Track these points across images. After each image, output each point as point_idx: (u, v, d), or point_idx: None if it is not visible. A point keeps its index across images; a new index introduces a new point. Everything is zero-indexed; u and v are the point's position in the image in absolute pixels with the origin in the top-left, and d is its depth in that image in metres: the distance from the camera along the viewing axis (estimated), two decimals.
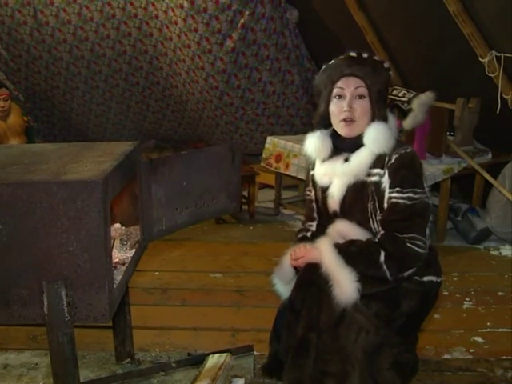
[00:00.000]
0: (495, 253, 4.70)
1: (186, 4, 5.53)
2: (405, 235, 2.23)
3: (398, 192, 2.24)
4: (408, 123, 4.57)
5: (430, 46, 4.90)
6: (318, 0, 5.73)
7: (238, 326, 3.45)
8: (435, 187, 4.85)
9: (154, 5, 5.89)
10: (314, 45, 6.05)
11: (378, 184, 2.28)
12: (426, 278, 2.35)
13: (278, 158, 5.36)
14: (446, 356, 3.12)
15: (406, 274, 2.26)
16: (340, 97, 2.32)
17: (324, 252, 2.30)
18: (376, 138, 2.28)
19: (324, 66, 2.40)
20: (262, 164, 5.63)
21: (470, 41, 4.37)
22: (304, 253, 2.39)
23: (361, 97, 2.30)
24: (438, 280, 2.42)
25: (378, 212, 2.29)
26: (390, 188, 2.26)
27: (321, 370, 2.28)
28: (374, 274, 2.23)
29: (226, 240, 5.02)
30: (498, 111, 4.48)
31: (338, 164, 2.38)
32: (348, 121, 2.31)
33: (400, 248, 2.23)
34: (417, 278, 2.32)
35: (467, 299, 3.81)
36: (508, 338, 3.29)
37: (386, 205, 2.27)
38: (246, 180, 5.45)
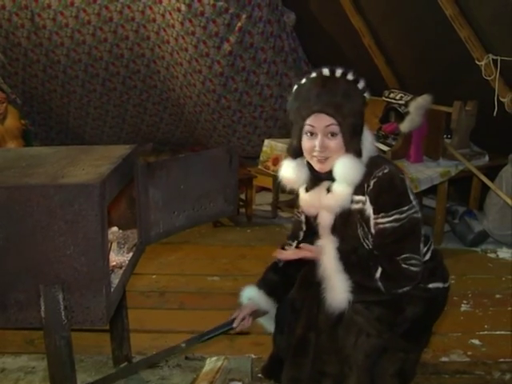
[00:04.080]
0: (492, 255, 4.71)
1: (183, 7, 5.53)
2: (398, 257, 2.16)
3: (382, 217, 2.16)
4: (405, 126, 4.58)
5: (427, 49, 4.91)
6: (315, 3, 5.74)
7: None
8: (432, 190, 4.86)
9: (151, 8, 5.90)
10: (312, 48, 6.06)
11: (362, 211, 2.21)
12: (431, 285, 2.31)
13: (276, 161, 5.36)
14: (444, 359, 3.12)
15: (400, 291, 2.20)
16: (312, 134, 2.20)
17: (326, 253, 2.26)
18: (343, 173, 2.20)
19: (295, 87, 2.27)
20: (259, 167, 5.63)
21: (466, 44, 4.38)
22: (309, 250, 2.35)
23: (333, 134, 2.18)
24: (446, 285, 2.38)
25: (370, 237, 2.24)
26: (374, 214, 2.18)
27: (319, 370, 2.28)
28: (369, 285, 2.20)
29: (223, 243, 5.02)
30: (494, 114, 4.49)
31: (322, 195, 2.29)
32: (321, 159, 2.24)
33: (396, 269, 2.17)
34: (422, 285, 2.28)
35: (465, 302, 3.81)
36: (506, 341, 3.29)
37: (373, 230, 2.20)
38: (244, 183, 5.45)
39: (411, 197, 2.19)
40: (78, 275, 1.88)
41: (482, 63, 4.37)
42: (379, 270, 2.17)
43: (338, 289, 2.21)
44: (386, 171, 2.18)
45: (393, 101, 4.85)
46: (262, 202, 6.18)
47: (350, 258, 2.24)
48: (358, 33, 5.44)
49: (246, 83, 6.05)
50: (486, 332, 3.43)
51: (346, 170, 2.20)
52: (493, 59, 4.33)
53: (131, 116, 7.19)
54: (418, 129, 4.58)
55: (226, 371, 2.74)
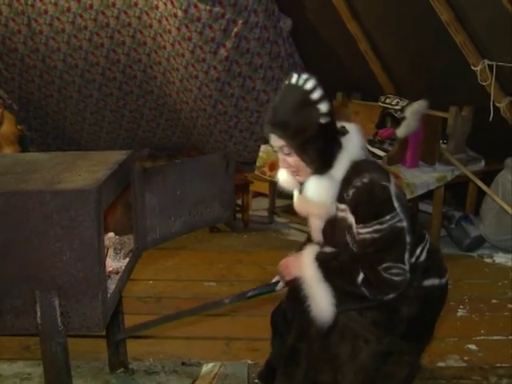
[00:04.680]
0: (489, 260, 4.72)
1: (179, 13, 5.54)
2: (379, 266, 2.13)
3: (362, 228, 2.14)
4: (401, 131, 4.58)
5: (423, 54, 4.92)
6: (312, 9, 5.75)
7: (232, 335, 3.44)
8: (429, 195, 4.86)
9: (147, 14, 5.90)
10: (308, 53, 6.07)
11: (346, 219, 2.20)
12: (426, 283, 2.28)
13: (272, 167, 5.36)
14: (440, 364, 3.12)
15: (386, 298, 2.17)
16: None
17: (304, 265, 2.25)
18: (314, 193, 2.20)
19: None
20: (255, 172, 5.63)
21: (462, 49, 4.39)
22: (286, 266, 2.36)
23: (288, 153, 2.20)
24: (442, 281, 2.34)
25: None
26: (355, 223, 2.16)
27: (312, 380, 2.28)
28: (353, 291, 2.17)
29: (220, 249, 5.02)
30: (490, 119, 4.51)
31: (307, 201, 2.29)
32: (292, 173, 2.26)
33: (377, 278, 2.14)
34: (415, 283, 2.25)
35: (461, 307, 3.82)
36: (502, 346, 3.29)
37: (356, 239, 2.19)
38: (240, 188, 5.46)
39: (395, 204, 2.14)
40: (74, 281, 1.87)
41: (478, 68, 4.39)
42: (361, 275, 2.15)
43: (320, 298, 2.19)
44: (365, 180, 2.13)
45: (389, 106, 4.86)
46: (259, 207, 6.18)
47: (330, 265, 2.22)
48: (355, 38, 5.45)
49: (242, 88, 6.06)
50: (482, 337, 3.43)
51: (313, 193, 2.20)
52: (488, 64, 4.35)
53: (128, 121, 7.19)
54: (414, 134, 4.59)
55: (222, 377, 2.74)
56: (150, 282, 4.23)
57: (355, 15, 5.33)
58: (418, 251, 2.28)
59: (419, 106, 4.52)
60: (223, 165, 2.65)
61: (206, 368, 2.83)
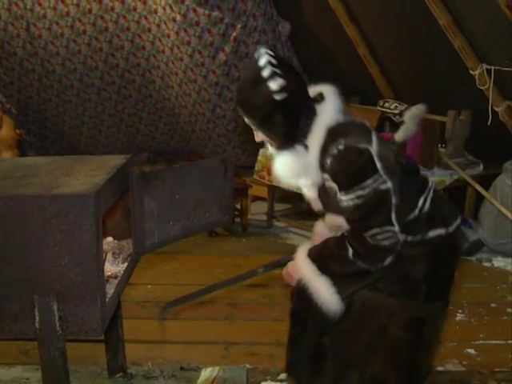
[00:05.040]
0: (487, 264, 4.72)
1: (178, 17, 5.55)
2: (365, 233, 2.09)
3: (344, 195, 2.10)
4: (400, 135, 4.59)
5: (421, 58, 4.93)
6: (310, 13, 5.76)
7: (230, 339, 3.44)
8: None
9: (146, 18, 5.91)
10: (306, 57, 6.08)
11: (332, 188, 2.16)
12: (431, 234, 2.20)
13: (271, 171, 5.36)
14: (440, 368, 3.12)
15: (385, 263, 2.11)
16: None
17: (300, 266, 2.25)
18: (278, 170, 2.22)
19: None
20: (254, 176, 5.63)
21: (460, 54, 4.40)
22: (287, 273, 2.35)
23: (256, 130, 2.21)
24: (450, 230, 2.24)
25: None
26: (338, 191, 2.13)
27: (344, 368, 2.27)
28: (352, 269, 2.14)
29: (218, 253, 5.01)
30: (489, 123, 4.51)
31: None
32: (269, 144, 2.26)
33: (365, 247, 2.10)
34: (419, 237, 2.19)
35: (460, 311, 3.81)
36: (501, 350, 3.29)
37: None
38: (239, 193, 5.45)
39: (378, 165, 2.08)
40: (72, 285, 1.87)
41: (476, 73, 4.40)
42: (350, 250, 2.12)
43: (322, 290, 2.17)
44: (340, 147, 2.08)
45: (387, 110, 4.87)
46: (258, 211, 6.17)
47: (321, 255, 2.21)
48: (353, 42, 5.46)
49: None
50: (481, 341, 3.43)
51: (276, 170, 2.22)
52: (486, 69, 4.36)
53: (126, 125, 7.19)
54: (413, 138, 4.60)
55: (221, 382, 2.74)
56: (149, 286, 4.23)
57: (353, 19, 5.34)
58: (420, 202, 2.21)
59: (417, 110, 4.53)
60: (222, 169, 2.65)
61: (205, 372, 2.82)
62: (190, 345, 3.38)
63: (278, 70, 2.09)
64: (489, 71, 4.36)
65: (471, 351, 3.30)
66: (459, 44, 4.37)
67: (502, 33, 4.05)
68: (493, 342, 3.42)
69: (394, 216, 2.09)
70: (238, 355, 3.24)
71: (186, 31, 5.62)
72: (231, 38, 5.61)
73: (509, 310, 3.86)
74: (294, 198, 5.82)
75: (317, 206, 2.34)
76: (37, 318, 1.88)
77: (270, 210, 5.80)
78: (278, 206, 5.99)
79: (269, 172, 5.36)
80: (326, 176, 2.15)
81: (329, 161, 2.10)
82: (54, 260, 1.85)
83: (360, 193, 2.07)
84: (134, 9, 5.90)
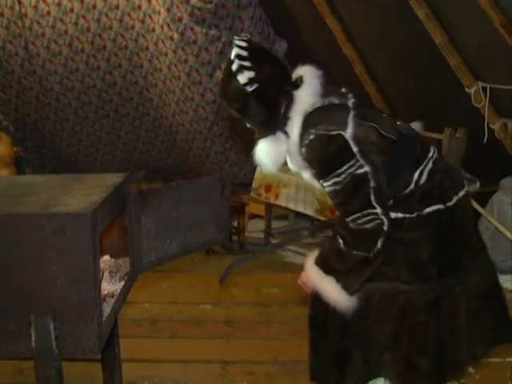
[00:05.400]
0: None
1: (176, 36, 5.58)
2: (347, 218, 2.10)
3: (323, 182, 2.15)
4: None
5: (418, 76, 4.96)
6: (307, 31, 5.80)
7: (228, 358, 3.42)
8: None
9: (144, 37, 5.95)
10: None
11: (315, 174, 2.22)
12: (428, 210, 2.19)
13: (268, 188, 5.37)
14: None
15: (379, 245, 2.09)
16: None
17: (308, 273, 2.27)
18: (264, 159, 2.24)
19: None
20: (251, 194, 5.63)
21: (456, 72, 4.43)
22: (302, 282, 2.35)
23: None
24: (449, 204, 2.21)
25: None
26: (319, 178, 2.19)
27: (375, 363, 2.28)
28: (352, 262, 2.14)
29: (216, 271, 4.99)
30: (485, 141, 4.53)
31: None
32: None
33: (348, 231, 2.11)
34: (415, 214, 2.18)
35: None
36: (499, 369, 3.27)
37: None
38: (236, 210, 5.45)
39: (354, 149, 2.10)
40: (69, 304, 1.86)
41: (472, 90, 4.42)
42: (340, 241, 2.14)
43: (329, 290, 2.18)
44: (311, 137, 2.13)
45: None
46: (255, 229, 6.16)
47: (323, 257, 2.23)
48: (349, 61, 5.49)
49: None
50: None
51: (261, 159, 2.24)
52: (482, 87, 4.38)
53: (124, 143, 7.21)
54: None
55: None
56: (146, 304, 4.21)
57: (350, 38, 5.37)
58: (416, 175, 2.20)
59: (414, 127, 4.54)
60: (218, 187, 2.65)
61: None
62: (187, 364, 3.36)
63: (246, 63, 2.15)
64: (484, 89, 4.38)
65: (470, 369, 3.28)
66: (455, 62, 4.39)
67: (496, 51, 4.08)
68: (491, 360, 3.40)
69: (373, 198, 2.09)
70: (236, 374, 3.23)
71: (183, 49, 5.66)
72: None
73: None
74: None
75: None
76: (33, 337, 1.87)
77: (267, 228, 5.79)
78: (275, 224, 5.99)
79: (266, 190, 5.37)
80: (306, 164, 2.20)
81: (303, 150, 2.16)
82: (51, 279, 1.84)
83: (336, 179, 2.10)
84: (132, 27, 5.95)
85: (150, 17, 5.79)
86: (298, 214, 5.67)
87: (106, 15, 5.95)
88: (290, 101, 2.21)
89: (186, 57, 5.72)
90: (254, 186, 5.57)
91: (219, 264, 5.18)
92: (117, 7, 5.88)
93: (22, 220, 1.83)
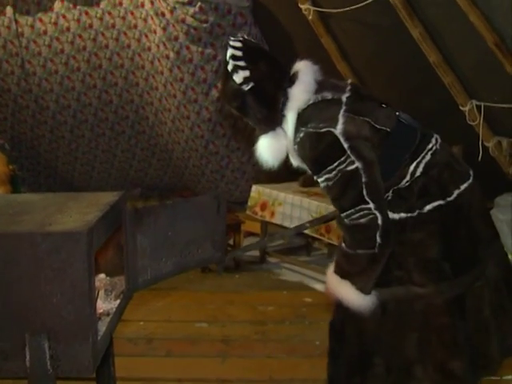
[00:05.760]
0: None
1: (171, 55, 5.62)
2: (342, 214, 2.14)
3: (316, 178, 2.18)
4: None
5: (412, 95, 4.98)
6: (302, 50, 5.83)
7: (223, 376, 3.40)
8: None
9: (140, 55, 5.98)
10: None
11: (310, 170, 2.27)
12: (428, 207, 2.18)
13: (264, 206, 5.37)
14: None
15: (379, 240, 2.09)
16: None
17: (328, 280, 2.28)
18: (264, 155, 2.28)
19: None
20: (247, 212, 5.63)
21: (450, 90, 4.45)
22: (328, 292, 2.34)
23: None
24: (450, 199, 2.19)
25: None
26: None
27: (401, 369, 2.25)
28: (359, 262, 2.14)
29: (211, 289, 4.98)
30: (479, 159, 4.54)
31: None
32: None
33: (345, 230, 2.16)
34: (417, 211, 2.17)
35: None
36: None
37: None
38: (232, 228, 5.45)
39: (345, 145, 2.11)
40: (64, 323, 1.86)
41: (466, 109, 4.43)
42: (342, 244, 2.17)
43: (346, 292, 2.19)
44: (302, 135, 2.17)
45: None
46: None
47: (337, 263, 2.24)
48: (344, 78, 5.51)
49: (233, 129, 6.11)
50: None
51: (261, 154, 2.28)
52: (476, 105, 4.40)
53: (119, 161, 7.21)
54: None
55: None
56: (141, 322, 4.19)
57: (345, 56, 5.40)
58: (411, 167, 2.20)
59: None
60: (214, 206, 2.65)
61: None
62: (183, 382, 3.35)
63: (240, 63, 2.19)
64: (479, 107, 4.40)
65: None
66: (449, 81, 4.42)
67: (490, 70, 4.10)
68: (489, 378, 3.39)
69: (365, 193, 2.10)
70: None
71: (179, 68, 5.69)
72: None
73: None
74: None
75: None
76: (27, 357, 1.86)
77: (262, 246, 5.78)
78: (271, 241, 5.98)
79: (261, 207, 5.38)
80: (300, 160, 2.25)
81: (296, 147, 2.20)
82: (46, 298, 1.84)
83: (327, 176, 2.13)
84: (128, 46, 5.98)
85: (146, 36, 5.83)
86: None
87: (103, 34, 5.99)
88: (285, 98, 2.24)
89: (182, 75, 5.75)
90: (249, 203, 5.57)
91: (215, 282, 5.17)
92: (113, 26, 5.92)
93: (17, 239, 1.83)
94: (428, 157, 2.23)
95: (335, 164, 2.11)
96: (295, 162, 2.33)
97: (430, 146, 2.27)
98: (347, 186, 2.12)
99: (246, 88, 2.19)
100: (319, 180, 2.17)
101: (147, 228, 2.36)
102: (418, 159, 2.21)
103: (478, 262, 2.26)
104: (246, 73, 2.19)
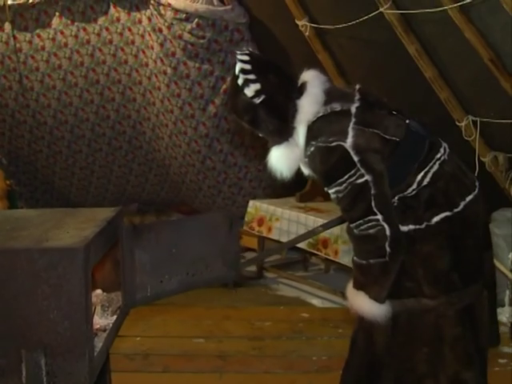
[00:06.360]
0: None
1: (169, 70, 5.64)
2: (351, 225, 2.16)
3: (327, 190, 2.20)
4: None
5: (408, 110, 4.99)
6: (299, 66, 5.83)
7: None
8: None
9: (137, 71, 6.00)
10: None
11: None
12: (435, 219, 2.19)
13: (261, 222, 5.38)
14: None
15: (388, 250, 2.09)
16: None
17: (347, 295, 2.28)
18: (277, 166, 2.29)
19: None
20: (244, 227, 5.63)
21: (446, 105, 4.47)
22: (351, 307, 2.33)
23: None
24: (458, 209, 2.20)
25: None
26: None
27: (412, 380, 2.25)
28: (374, 271, 2.15)
29: (208, 304, 4.97)
30: (476, 173, 4.55)
31: None
32: None
33: (354, 240, 2.18)
34: (425, 223, 2.18)
35: None
36: None
37: None
38: None
39: (355, 159, 2.12)
40: (60, 339, 1.85)
41: (462, 124, 4.45)
42: (354, 257, 2.18)
43: (361, 303, 2.18)
44: (312, 149, 2.17)
45: None
46: None
47: (354, 276, 2.24)
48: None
49: (230, 144, 6.12)
50: None
51: (275, 165, 2.29)
52: (472, 120, 4.41)
53: (116, 176, 7.21)
54: None
55: None
56: (138, 338, 4.17)
57: (341, 72, 5.43)
58: (419, 176, 2.21)
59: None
60: (225, 223, 2.64)
61: None
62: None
63: (251, 76, 2.20)
64: (475, 123, 4.41)
65: None
66: (445, 96, 4.44)
67: (486, 86, 4.13)
68: None
69: (374, 205, 2.10)
70: None
71: (176, 84, 5.71)
72: (221, 91, 5.69)
73: (501, 360, 3.82)
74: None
75: None
76: (24, 373, 1.85)
77: (260, 261, 5.77)
78: (268, 257, 5.98)
79: (258, 223, 5.38)
80: (311, 171, 2.27)
81: (306, 160, 2.22)
82: (43, 314, 1.83)
83: (337, 188, 2.15)
84: (126, 62, 6.00)
85: (143, 51, 5.85)
86: (291, 248, 5.67)
87: (100, 50, 6.01)
88: (294, 110, 2.24)
89: (179, 91, 5.76)
90: (246, 219, 5.57)
91: (212, 297, 5.16)
92: (110, 42, 5.95)
93: (14, 255, 1.83)
94: (436, 166, 2.25)
95: (345, 177, 2.12)
96: (306, 171, 2.35)
97: (439, 155, 2.30)
98: (357, 198, 2.13)
99: (258, 101, 2.20)
100: (330, 192, 2.19)
101: (147, 244, 2.36)
102: (426, 169, 2.23)
103: (483, 273, 2.30)
104: (257, 86, 2.20)
